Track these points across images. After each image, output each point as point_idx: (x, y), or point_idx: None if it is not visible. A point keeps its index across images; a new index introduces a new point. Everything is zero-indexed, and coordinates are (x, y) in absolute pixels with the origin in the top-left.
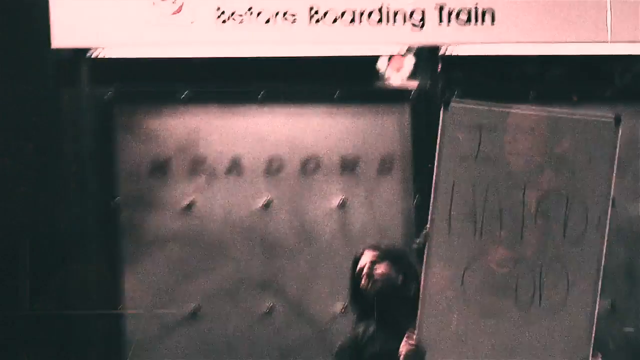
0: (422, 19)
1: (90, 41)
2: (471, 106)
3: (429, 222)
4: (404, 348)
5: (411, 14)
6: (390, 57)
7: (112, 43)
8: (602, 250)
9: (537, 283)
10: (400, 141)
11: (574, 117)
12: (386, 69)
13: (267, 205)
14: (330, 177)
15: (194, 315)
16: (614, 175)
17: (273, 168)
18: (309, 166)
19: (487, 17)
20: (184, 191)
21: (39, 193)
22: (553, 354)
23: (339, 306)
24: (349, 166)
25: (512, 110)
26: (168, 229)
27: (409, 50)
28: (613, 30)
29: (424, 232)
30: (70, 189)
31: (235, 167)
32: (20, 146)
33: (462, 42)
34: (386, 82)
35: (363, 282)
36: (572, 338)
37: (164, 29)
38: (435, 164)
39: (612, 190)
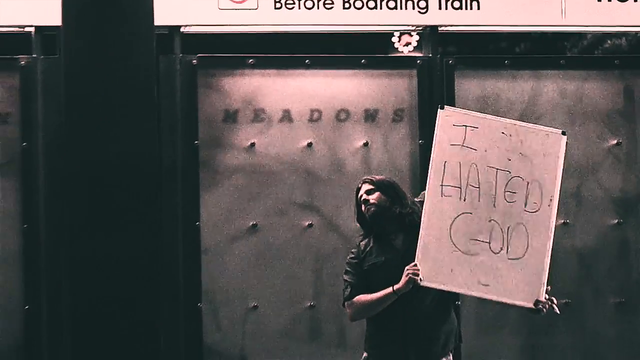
0: (426, 6)
1: (182, 20)
2: (458, 111)
3: (427, 188)
4: (409, 270)
5: (418, 2)
6: (402, 34)
7: (198, 22)
8: (552, 221)
9: (504, 238)
10: (409, 97)
11: (534, 128)
12: (399, 43)
13: (309, 146)
14: (356, 124)
15: (253, 227)
16: (561, 169)
17: (314, 117)
18: (341, 116)
19: (474, 4)
20: (247, 134)
21: (143, 136)
22: (513, 294)
23: None
24: (370, 116)
25: (488, 118)
26: (235, 163)
27: (415, 29)
28: (566, 14)
29: (423, 192)
30: (164, 133)
31: (286, 116)
32: (127, 100)
33: (455, 23)
34: (399, 53)
35: (363, 207)
36: (528, 283)
37: (236, 12)
38: (433, 148)
39: (560, 179)
